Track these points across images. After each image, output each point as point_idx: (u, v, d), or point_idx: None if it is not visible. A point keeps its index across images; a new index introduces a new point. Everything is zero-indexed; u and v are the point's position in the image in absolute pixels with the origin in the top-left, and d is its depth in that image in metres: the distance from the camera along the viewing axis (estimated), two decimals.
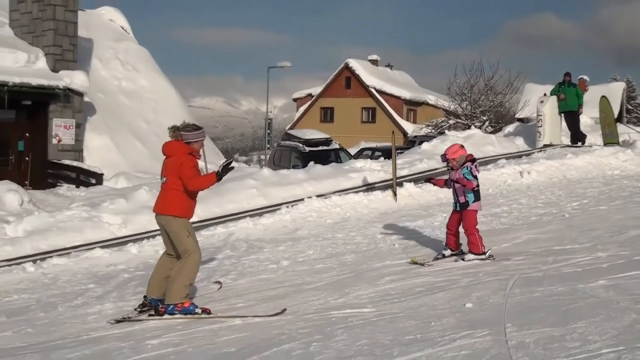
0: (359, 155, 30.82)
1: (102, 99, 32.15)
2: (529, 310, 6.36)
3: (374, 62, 66.27)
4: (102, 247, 13.46)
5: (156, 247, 13.12)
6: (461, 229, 9.60)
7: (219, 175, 7.93)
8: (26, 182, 26.49)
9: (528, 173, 17.28)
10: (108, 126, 31.09)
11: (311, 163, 21.77)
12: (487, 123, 41.77)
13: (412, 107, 62.16)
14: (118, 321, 7.96)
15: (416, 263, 9.50)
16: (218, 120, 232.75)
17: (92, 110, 30.76)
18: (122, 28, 38.81)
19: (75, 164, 27.91)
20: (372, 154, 30.38)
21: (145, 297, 8.28)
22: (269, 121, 44.95)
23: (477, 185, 9.54)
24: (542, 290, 7.08)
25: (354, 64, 63.40)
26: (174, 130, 8.13)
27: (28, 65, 28.01)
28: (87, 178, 26.68)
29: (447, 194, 15.97)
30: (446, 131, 29.51)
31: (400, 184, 16.51)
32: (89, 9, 37.80)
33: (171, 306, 7.87)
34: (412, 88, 65.02)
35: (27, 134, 28.47)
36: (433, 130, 43.74)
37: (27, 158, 28.14)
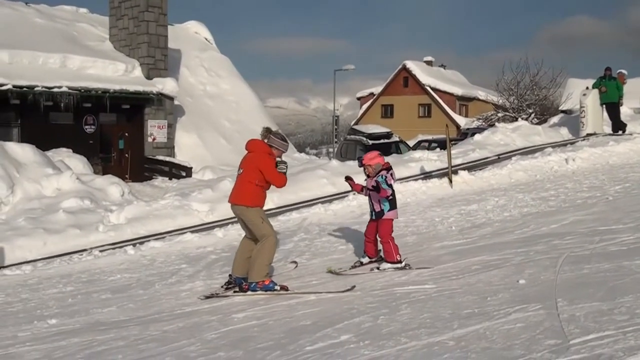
0: (417, 146, 30.57)
1: (190, 102, 32.54)
2: (578, 286, 6.14)
3: (429, 63, 65.54)
4: (192, 231, 13.61)
5: (239, 231, 13.12)
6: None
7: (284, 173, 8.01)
8: (126, 176, 27.03)
9: (573, 160, 16.78)
10: (196, 125, 31.47)
11: None
12: (532, 115, 40.81)
13: (464, 103, 61.28)
14: (207, 297, 8.01)
15: (332, 272, 8.62)
16: (291, 118, 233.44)
17: (182, 111, 31.17)
18: (206, 39, 39.21)
19: (167, 159, 28.37)
20: (428, 145, 30.08)
21: (230, 275, 8.31)
22: (336, 118, 44.82)
23: (393, 194, 8.68)
24: (590, 267, 6.84)
25: (410, 65, 62.89)
26: (266, 131, 8.16)
27: (126, 74, 28.54)
28: (178, 171, 27.06)
29: (498, 181, 15.70)
30: (496, 123, 28.95)
31: (455, 172, 16.24)
32: (177, 23, 38.29)
33: (253, 284, 7.86)
34: (463, 85, 64.08)
35: (127, 134, 29.03)
36: (483, 123, 42.97)
37: (126, 155, 28.71)
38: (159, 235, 13.86)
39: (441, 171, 17.31)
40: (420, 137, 39.86)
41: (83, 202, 16.79)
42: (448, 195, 14.94)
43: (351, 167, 18.19)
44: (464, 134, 35.11)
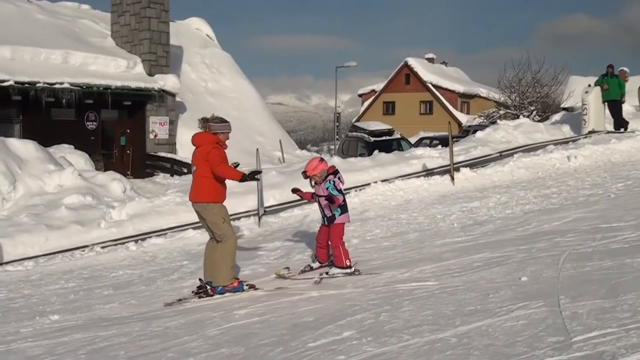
0: (419, 143, 30.52)
1: (192, 98, 32.56)
2: (580, 283, 6.13)
3: (430, 60, 65.50)
4: (193, 228, 13.61)
5: (241, 227, 13.22)
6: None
7: (243, 178, 7.69)
8: (128, 172, 27.06)
9: (575, 157, 16.77)
10: (197, 122, 31.41)
11: (376, 151, 21.68)
12: (534, 113, 40.83)
13: (465, 100, 61.25)
14: (169, 304, 7.73)
15: (280, 276, 8.52)
16: (292, 115, 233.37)
17: (183, 108, 31.19)
18: (208, 36, 39.21)
19: (169, 155, 28.39)
20: (430, 142, 30.02)
21: (200, 280, 8.13)
22: (338, 115, 44.81)
23: (344, 199, 8.41)
24: (592, 264, 6.83)
25: (412, 62, 62.85)
26: (203, 121, 7.95)
27: (128, 70, 28.56)
28: (180, 168, 27.07)
29: (500, 178, 15.69)
30: (497, 121, 28.93)
31: (457, 169, 16.23)
32: (179, 20, 38.28)
33: (220, 287, 7.77)
34: (465, 82, 64.04)
35: (128, 130, 29.05)
36: (485, 120, 43.00)
37: (128, 151, 28.73)
38: (160, 232, 13.87)
39: (443, 168, 17.30)
40: (422, 134, 39.79)
41: (85, 199, 16.81)
42: (450, 192, 14.92)
43: (352, 164, 18.23)
44: (466, 131, 35.11)
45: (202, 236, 12.74)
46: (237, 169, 7.89)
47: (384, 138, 27.71)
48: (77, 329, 6.87)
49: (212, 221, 7.78)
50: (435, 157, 18.85)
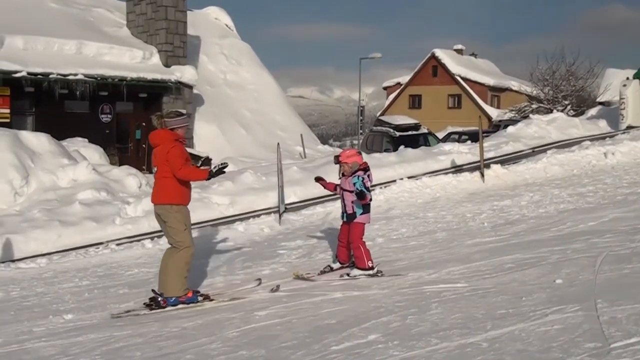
0: (447, 139, 30.44)
1: (210, 90, 32.69)
2: (619, 286, 6.08)
3: (459, 52, 65.17)
4: (212, 225, 13.67)
5: (261, 225, 13.27)
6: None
7: (211, 175, 7.54)
8: (143, 167, 27.23)
9: (612, 154, 16.60)
10: (215, 115, 31.60)
11: (402, 147, 21.65)
12: (569, 107, 40.51)
13: (496, 93, 60.89)
14: (116, 316, 7.42)
15: (300, 277, 8.45)
16: (313, 108, 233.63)
17: (201, 101, 31.32)
18: (227, 26, 39.36)
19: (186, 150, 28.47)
20: (459, 137, 29.94)
21: (154, 291, 7.79)
22: (361, 108, 44.73)
23: (370, 199, 8.34)
24: (631, 267, 6.76)
25: (440, 53, 62.59)
26: (158, 118, 7.65)
27: (143, 61, 28.73)
28: (197, 163, 27.17)
29: (532, 175, 15.59)
30: (530, 115, 28.73)
31: (488, 166, 16.16)
32: (197, 9, 38.47)
33: (173, 298, 7.54)
34: (495, 75, 63.65)
35: (144, 124, 29.20)
36: (517, 115, 42.70)
37: (143, 145, 28.89)
38: None
39: (473, 165, 17.25)
40: (450, 129, 39.65)
41: (99, 194, 16.94)
42: (480, 190, 14.87)
43: (377, 159, 18.20)
44: (496, 126, 34.90)
45: (222, 234, 12.80)
46: (212, 164, 7.69)
47: (410, 133, 27.62)
48: (92, 328, 6.92)
49: (173, 226, 7.57)
50: (464, 152, 18.79)
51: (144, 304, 7.74)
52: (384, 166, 17.64)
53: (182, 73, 28.98)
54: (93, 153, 21.95)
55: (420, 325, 5.61)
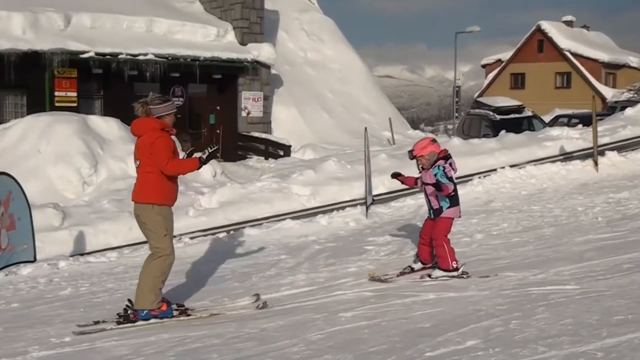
0: (554, 122, 29.85)
1: (289, 70, 32.92)
2: None
3: (569, 24, 63.60)
4: (292, 218, 13.79)
5: (346, 218, 13.33)
6: None
7: (202, 162, 7.27)
8: (218, 155, 27.67)
9: None
10: (295, 97, 31.81)
11: (503, 131, 21.37)
12: None
13: (611, 71, 59.22)
14: (80, 333, 7.09)
15: (375, 279, 8.34)
16: (402, 89, 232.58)
17: (279, 82, 31.55)
18: None
19: (263, 136, 28.81)
20: (568, 121, 29.31)
21: (129, 300, 7.50)
22: (457, 89, 44.32)
23: (454, 189, 8.19)
24: None
25: (546, 26, 61.25)
26: (143, 105, 7.38)
27: (218, 39, 29.10)
28: (276, 150, 27.46)
29: None
30: None
31: (602, 153, 15.79)
32: None
33: (145, 311, 7.27)
34: (610, 50, 61.89)
35: (218, 107, 29.64)
36: (635, 95, 41.46)
37: (218, 131, 29.36)
38: (255, 222, 14.13)
39: (584, 152, 16.92)
40: (558, 112, 38.83)
41: None
42: (593, 180, 14.57)
43: (475, 146, 18.03)
44: (612, 108, 34.03)
45: (302, 227, 12.92)
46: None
47: (512, 116, 27.23)
48: (165, 328, 7.12)
49: (152, 229, 7.29)
50: (575, 138, 18.44)
51: (118, 314, 7.49)
52: (482, 153, 17.46)
53: (259, 51, 29.21)
54: None
55: (525, 331, 5.56)
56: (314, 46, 35.83)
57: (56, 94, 25.12)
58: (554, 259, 8.37)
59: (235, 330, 6.72)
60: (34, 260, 11.65)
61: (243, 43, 29.36)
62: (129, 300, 7.45)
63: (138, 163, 7.39)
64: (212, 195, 15.62)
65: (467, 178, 15.46)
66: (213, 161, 20.39)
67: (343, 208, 14.25)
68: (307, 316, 6.98)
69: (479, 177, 15.35)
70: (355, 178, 15.74)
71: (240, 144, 29.06)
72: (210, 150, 7.28)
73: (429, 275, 8.23)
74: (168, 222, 7.35)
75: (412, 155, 8.31)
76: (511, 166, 15.97)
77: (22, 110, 24.92)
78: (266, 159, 26.87)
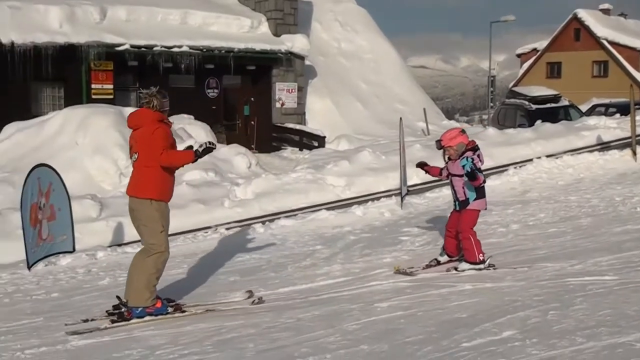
0: (591, 112, 29.52)
1: (323, 61, 32.91)
2: None
3: (606, 12, 62.75)
4: (327, 209, 13.81)
5: (381, 209, 13.33)
6: None
7: (198, 155, 7.08)
8: (252, 146, 27.81)
9: None
10: (329, 88, 31.81)
11: (538, 121, 21.22)
12: None
13: None
14: (73, 333, 6.90)
15: (400, 272, 8.29)
16: (437, 79, 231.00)
17: (313, 73, 31.56)
18: None
19: (298, 127, 28.87)
20: (605, 110, 28.96)
21: (118, 297, 7.43)
22: (492, 78, 43.98)
23: (484, 181, 8.11)
24: None
25: (583, 14, 60.48)
26: (149, 97, 7.19)
27: (251, 30, 29.19)
28: (310, 141, 27.49)
29: None
30: None
31: None
32: None
33: (139, 309, 7.19)
34: None
35: (252, 99, 29.74)
36: None
37: (252, 122, 29.48)
38: (290, 213, 14.17)
39: (622, 141, 16.72)
40: (595, 101, 38.36)
41: (207, 175, 17.44)
42: (631, 170, 14.46)
43: (511, 136, 17.92)
44: None
45: (336, 218, 12.94)
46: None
47: (548, 105, 27.01)
48: (201, 318, 7.19)
49: (148, 225, 7.18)
50: (613, 127, 18.23)
51: (107, 311, 7.43)
52: (518, 143, 17.35)
53: (293, 43, 29.24)
54: (199, 131, 22.60)
55: (562, 321, 5.54)
56: (348, 37, 35.76)
57: (93, 86, 25.43)
58: (592, 249, 8.31)
59: (272, 320, 6.76)
60: (73, 251, 11.80)
61: (277, 34, 29.41)
62: (118, 297, 7.39)
63: (136, 157, 7.17)
64: (247, 186, 15.68)
65: (502, 168, 15.39)
66: (248, 152, 20.52)
67: (378, 199, 14.24)
68: (343, 306, 7.00)
69: (515, 168, 15.26)
70: (390, 169, 15.71)
71: (275, 135, 29.14)
72: (207, 145, 7.14)
73: (455, 269, 8.21)
74: (164, 218, 7.28)
75: (440, 145, 8.27)
76: (547, 156, 15.85)
77: (59, 102, 25.26)
78: (300, 150, 26.92)
